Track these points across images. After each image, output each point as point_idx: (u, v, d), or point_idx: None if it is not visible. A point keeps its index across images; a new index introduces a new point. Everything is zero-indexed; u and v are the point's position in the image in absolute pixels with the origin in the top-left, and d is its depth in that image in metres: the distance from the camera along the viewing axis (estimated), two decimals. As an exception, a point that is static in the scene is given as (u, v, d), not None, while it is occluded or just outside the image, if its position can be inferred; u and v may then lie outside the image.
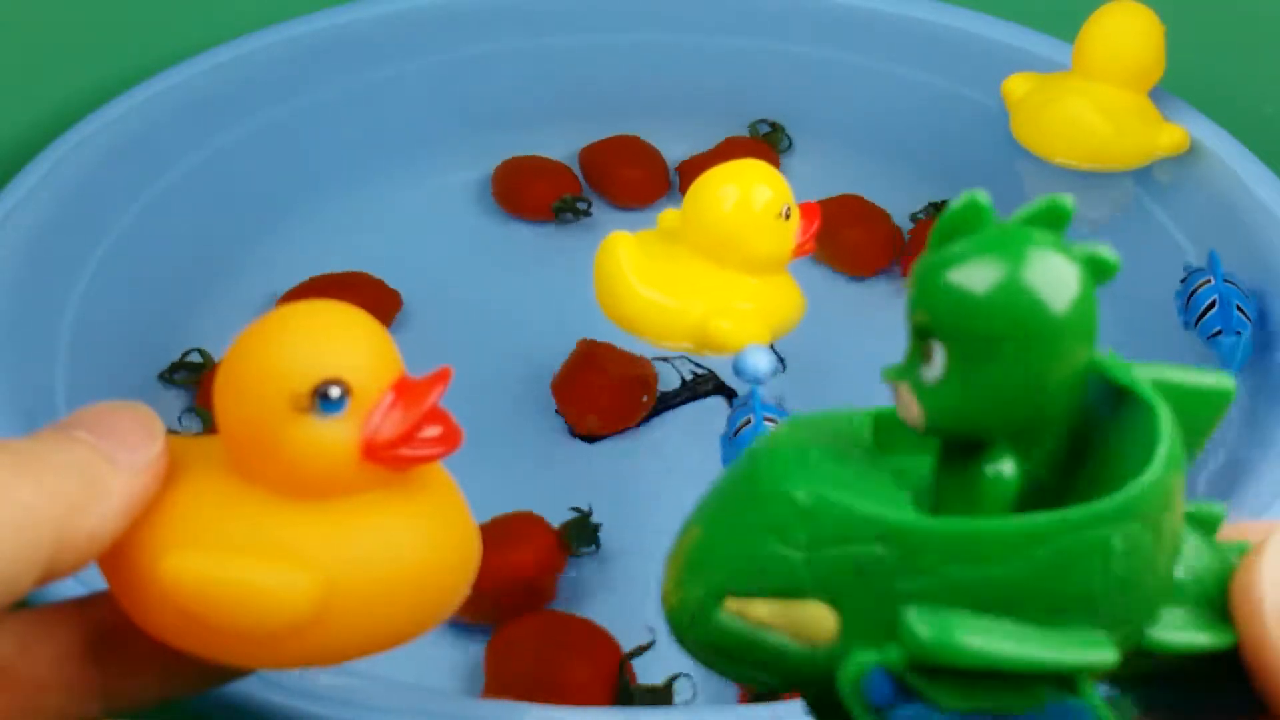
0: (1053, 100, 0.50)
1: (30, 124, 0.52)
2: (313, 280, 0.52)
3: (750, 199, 0.40)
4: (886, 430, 0.18)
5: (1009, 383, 0.15)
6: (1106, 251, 0.16)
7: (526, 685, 0.38)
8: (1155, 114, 0.50)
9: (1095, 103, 0.50)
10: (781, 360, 0.40)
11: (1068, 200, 0.16)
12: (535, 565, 0.41)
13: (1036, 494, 0.17)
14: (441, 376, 0.21)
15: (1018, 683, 0.15)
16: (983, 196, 0.16)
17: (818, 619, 0.16)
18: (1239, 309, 0.46)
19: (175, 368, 0.49)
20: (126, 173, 0.50)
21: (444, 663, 0.40)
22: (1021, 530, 0.15)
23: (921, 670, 0.15)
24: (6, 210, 0.46)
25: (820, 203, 0.56)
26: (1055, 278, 0.15)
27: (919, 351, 0.16)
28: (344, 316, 0.21)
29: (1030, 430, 0.16)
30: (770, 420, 0.40)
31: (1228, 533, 0.18)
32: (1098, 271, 0.16)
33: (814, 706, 0.17)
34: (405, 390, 0.21)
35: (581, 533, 0.43)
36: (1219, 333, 0.46)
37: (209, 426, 0.47)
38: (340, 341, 0.20)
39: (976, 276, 0.15)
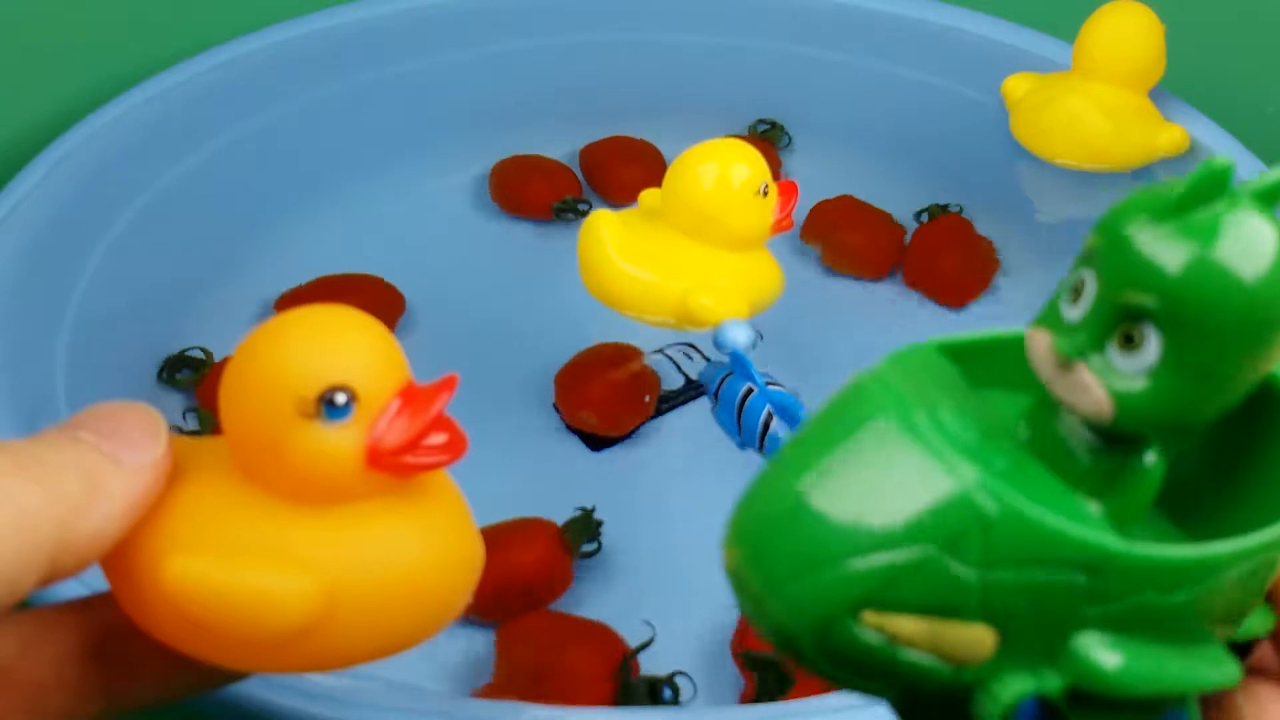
0: (1053, 100, 0.50)
1: (30, 124, 0.52)
2: (314, 281, 0.52)
3: (729, 177, 0.41)
4: (969, 362, 0.16)
5: (1238, 381, 0.14)
6: None
7: (530, 680, 0.38)
8: (1155, 114, 0.50)
9: (1095, 103, 0.50)
10: (759, 334, 0.41)
11: None
12: (538, 565, 0.41)
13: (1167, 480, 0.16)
14: (447, 384, 0.21)
15: (1152, 702, 0.14)
16: (1226, 162, 0.13)
17: (974, 640, 0.14)
18: None
19: (176, 366, 0.49)
20: (126, 173, 0.50)
21: (445, 661, 0.40)
22: (1222, 557, 0.14)
23: (1076, 698, 0.14)
24: (6, 210, 0.46)
25: (820, 203, 0.56)
26: None
27: (1108, 333, 0.14)
28: (352, 322, 0.21)
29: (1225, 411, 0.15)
30: (774, 385, 0.40)
31: None
32: None
33: (910, 712, 0.15)
34: (411, 397, 0.21)
35: (584, 532, 0.43)
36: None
37: (208, 426, 0.47)
38: (347, 347, 0.20)
39: (1248, 261, 0.13)
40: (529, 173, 0.58)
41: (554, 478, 0.46)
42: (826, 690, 0.33)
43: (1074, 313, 0.14)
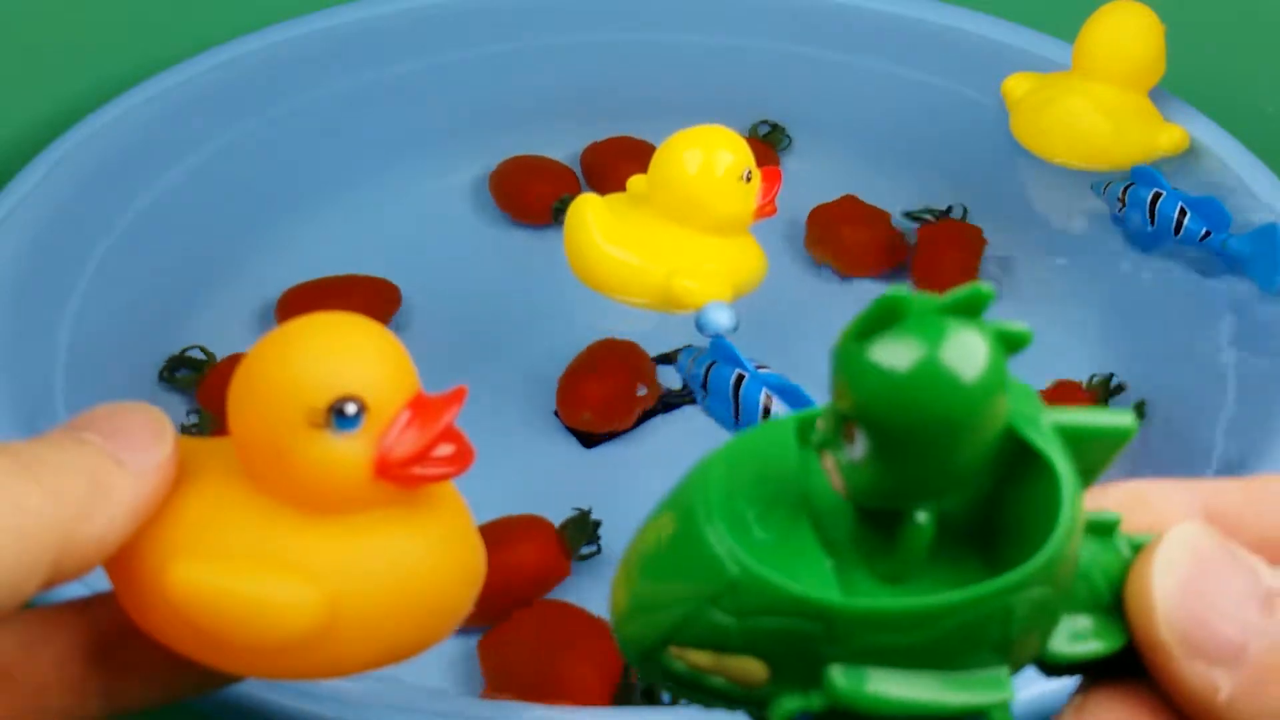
0: (1052, 100, 0.50)
1: (30, 124, 0.53)
2: (314, 281, 0.52)
3: (713, 163, 0.42)
4: (810, 432, 0.19)
5: (930, 467, 0.16)
6: (1017, 326, 0.16)
7: (526, 679, 0.38)
8: (1155, 114, 0.50)
9: (1094, 102, 0.50)
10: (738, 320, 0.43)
11: (988, 288, 0.16)
12: (537, 565, 0.41)
13: (949, 532, 0.18)
14: (457, 396, 0.21)
15: None
16: (903, 291, 0.16)
17: (750, 669, 0.17)
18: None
19: (176, 366, 0.49)
20: (126, 173, 0.50)
21: (444, 662, 0.40)
22: (932, 609, 0.16)
23: (842, 715, 0.17)
24: (6, 210, 0.46)
25: (820, 204, 0.56)
26: (971, 359, 0.16)
27: (839, 429, 0.17)
28: (363, 331, 0.21)
29: (946, 492, 0.17)
30: (763, 368, 0.41)
31: (1135, 520, 0.19)
32: (1010, 345, 0.16)
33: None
34: (421, 408, 0.21)
35: (582, 532, 0.43)
36: (1209, 234, 0.47)
37: (208, 426, 0.47)
38: (358, 357, 0.20)
39: (897, 367, 0.15)
40: (530, 173, 0.58)
41: (553, 478, 0.46)
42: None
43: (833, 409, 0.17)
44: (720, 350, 0.41)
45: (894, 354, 0.15)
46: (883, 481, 0.16)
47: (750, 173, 0.42)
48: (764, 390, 0.40)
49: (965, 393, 0.15)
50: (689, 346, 0.44)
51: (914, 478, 0.16)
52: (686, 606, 0.17)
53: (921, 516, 0.17)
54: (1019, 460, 0.17)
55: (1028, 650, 0.17)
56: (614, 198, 0.44)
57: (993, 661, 0.17)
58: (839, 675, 0.16)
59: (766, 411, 0.40)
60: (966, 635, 0.16)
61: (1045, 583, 0.16)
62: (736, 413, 0.40)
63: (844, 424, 0.16)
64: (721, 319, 0.41)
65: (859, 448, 0.16)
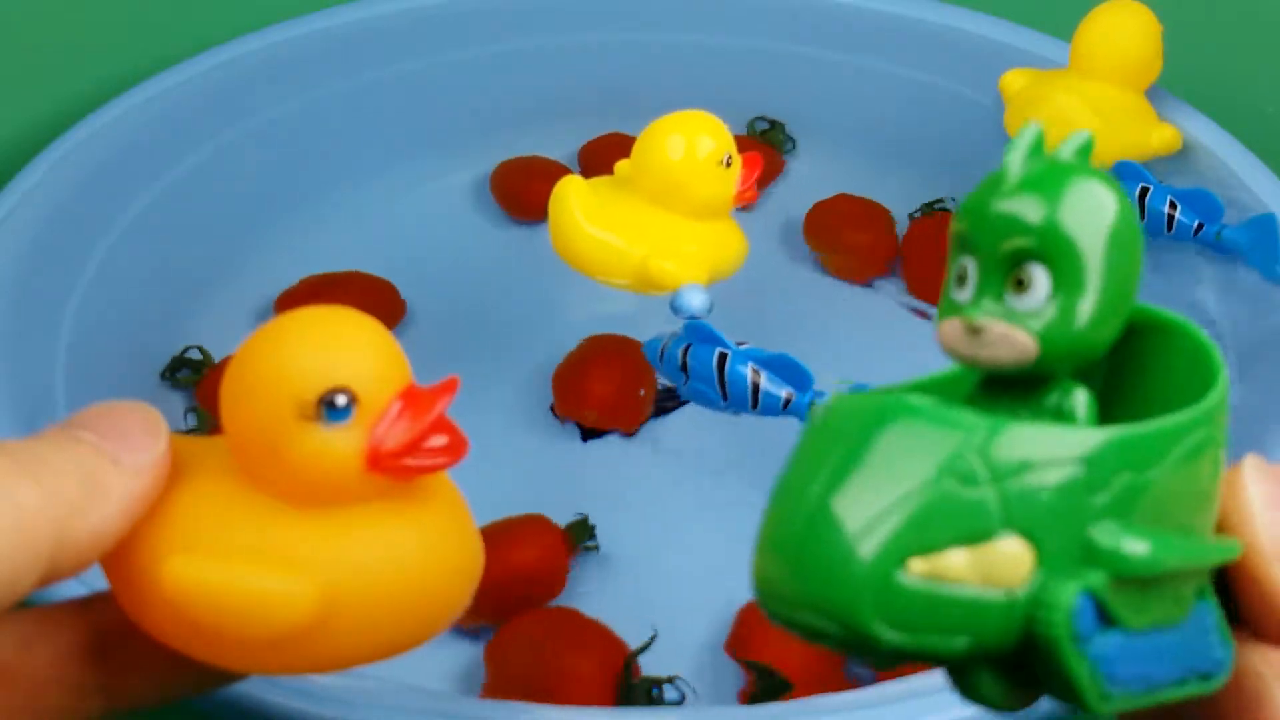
0: (1045, 97, 0.50)
1: (30, 124, 0.53)
2: (312, 280, 0.52)
3: (694, 147, 0.42)
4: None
5: (1117, 289, 0.16)
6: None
7: (529, 681, 0.38)
8: (1150, 112, 0.50)
9: (1086, 100, 0.50)
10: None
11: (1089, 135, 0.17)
12: (540, 564, 0.41)
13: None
14: (449, 386, 0.21)
15: (1177, 593, 0.16)
16: (1035, 129, 0.17)
17: (1014, 557, 0.15)
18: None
19: (176, 366, 0.49)
20: (126, 173, 0.50)
21: (444, 662, 0.40)
22: (1173, 426, 0.16)
23: (1117, 589, 0.16)
24: (6, 210, 0.46)
25: (820, 203, 0.56)
26: (1120, 193, 0.17)
27: (1001, 286, 0.16)
28: (353, 323, 0.21)
29: (1094, 361, 0.17)
30: (743, 344, 0.41)
31: None
32: None
33: (987, 676, 0.16)
34: (412, 399, 0.20)
35: (582, 534, 0.43)
36: (1202, 226, 0.47)
37: (208, 426, 0.47)
38: (348, 349, 0.20)
39: (1092, 194, 0.16)
40: (530, 173, 0.58)
41: (552, 478, 0.46)
42: (826, 690, 0.33)
43: (965, 293, 0.17)
44: (696, 331, 0.42)
45: (1081, 176, 0.17)
46: (1073, 313, 0.16)
47: (730, 158, 0.43)
48: (749, 365, 0.40)
49: (1131, 210, 0.17)
50: (654, 338, 0.44)
51: (1103, 301, 0.16)
52: (925, 495, 0.15)
53: (1083, 395, 0.17)
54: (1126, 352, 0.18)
55: (1210, 517, 0.17)
56: (599, 180, 0.45)
57: (1201, 522, 0.17)
58: (1120, 535, 0.15)
59: (755, 388, 0.40)
60: (1193, 470, 0.16)
61: (1219, 424, 0.17)
62: (724, 392, 0.41)
63: (1012, 274, 0.16)
64: (696, 301, 0.42)
65: (1042, 284, 0.16)
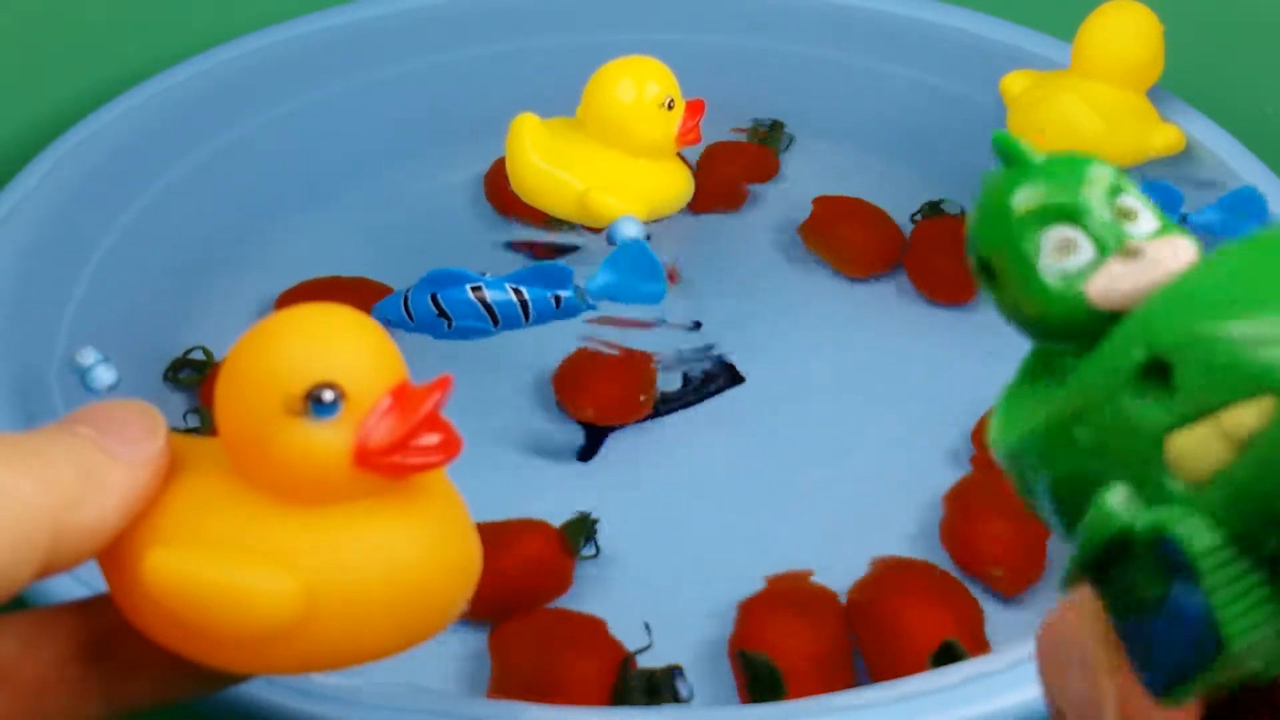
0: (1047, 98, 0.50)
1: (30, 124, 0.53)
2: (313, 281, 0.52)
3: (636, 90, 0.47)
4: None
5: None
6: None
7: (529, 679, 0.38)
8: (1152, 113, 0.50)
9: (1088, 100, 0.50)
10: (649, 236, 0.47)
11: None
12: (539, 566, 0.41)
13: None
14: (441, 384, 0.20)
15: None
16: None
17: None
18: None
19: (179, 366, 0.49)
20: (127, 172, 0.50)
21: (444, 662, 0.40)
22: None
23: None
24: (7, 210, 0.46)
25: (821, 203, 0.56)
26: None
27: (1119, 223, 0.17)
28: (343, 319, 0.21)
29: None
30: (484, 273, 0.44)
31: None
32: None
33: None
34: (403, 396, 0.20)
35: (580, 535, 0.43)
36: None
37: (210, 426, 0.47)
38: (337, 345, 0.20)
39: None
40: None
41: (551, 478, 0.46)
42: (824, 690, 0.33)
43: (1081, 254, 0.17)
44: (435, 279, 0.44)
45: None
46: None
47: (672, 101, 0.47)
48: (507, 286, 0.43)
49: None
50: (382, 301, 0.46)
51: None
52: None
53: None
54: None
55: None
56: (555, 121, 0.49)
57: None
58: None
59: (525, 305, 0.43)
60: None
61: None
62: (493, 318, 0.43)
63: (1114, 211, 0.17)
64: (630, 231, 0.46)
65: (1147, 210, 0.17)
